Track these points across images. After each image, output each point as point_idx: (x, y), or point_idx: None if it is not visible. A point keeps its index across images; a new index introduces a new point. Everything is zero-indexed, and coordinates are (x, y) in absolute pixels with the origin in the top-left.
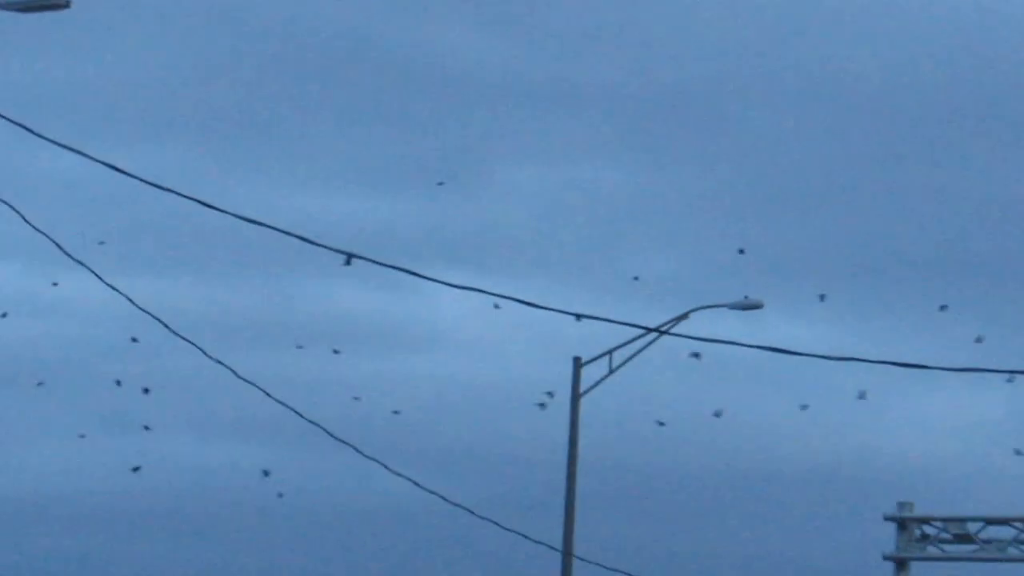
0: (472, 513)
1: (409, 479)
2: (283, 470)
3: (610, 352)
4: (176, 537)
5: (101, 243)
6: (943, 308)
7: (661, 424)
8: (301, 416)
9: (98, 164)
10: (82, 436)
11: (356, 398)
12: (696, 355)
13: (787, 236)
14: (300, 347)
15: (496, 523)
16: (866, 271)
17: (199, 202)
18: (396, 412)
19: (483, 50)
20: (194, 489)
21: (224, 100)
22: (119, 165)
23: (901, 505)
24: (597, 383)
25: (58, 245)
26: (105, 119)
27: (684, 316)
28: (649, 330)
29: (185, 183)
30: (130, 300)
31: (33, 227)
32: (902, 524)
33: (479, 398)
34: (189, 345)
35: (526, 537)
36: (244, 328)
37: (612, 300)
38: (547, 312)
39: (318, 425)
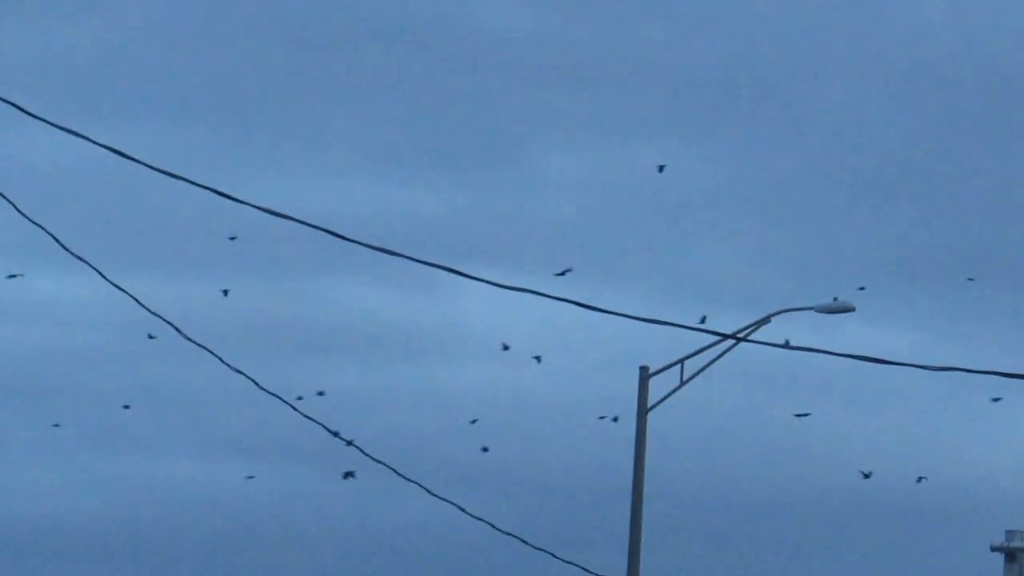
0: (525, 543)
1: (454, 504)
2: (308, 494)
3: (682, 361)
4: (185, 568)
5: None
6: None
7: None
8: (334, 434)
9: (99, 149)
10: (56, 425)
11: (473, 423)
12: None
13: (863, 230)
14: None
15: (552, 554)
16: (954, 270)
17: (215, 191)
18: (474, 421)
19: (518, 20)
20: (206, 513)
21: (231, 79)
22: (119, 150)
23: (1010, 534)
24: (667, 396)
25: (55, 239)
26: (94, 99)
27: (766, 320)
28: (725, 336)
29: (190, 171)
30: (137, 300)
31: (29, 219)
32: (1011, 555)
33: (529, 413)
34: (198, 353)
35: (586, 570)
36: (261, 334)
37: (669, 302)
38: (604, 318)
39: (352, 444)
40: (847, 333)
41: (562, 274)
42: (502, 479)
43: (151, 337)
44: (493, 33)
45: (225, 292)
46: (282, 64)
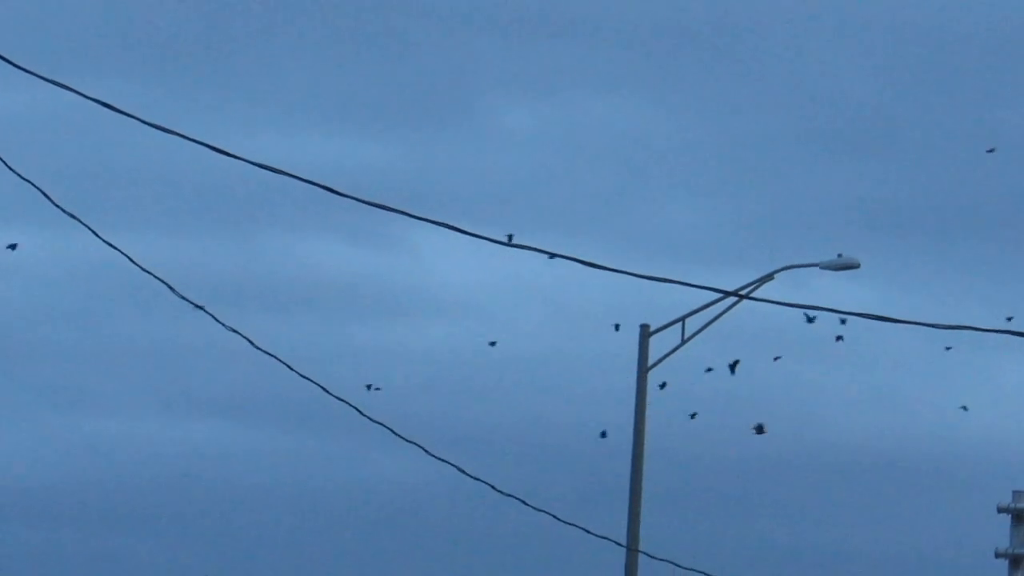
0: (525, 503)
1: (453, 464)
2: (303, 455)
3: (683, 319)
4: (184, 534)
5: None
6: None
7: (693, 416)
8: (329, 393)
9: (88, 102)
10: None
11: (493, 342)
12: (840, 338)
13: (836, 186)
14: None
15: (552, 515)
16: (922, 225)
17: (210, 147)
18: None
19: None
20: (189, 476)
21: (178, 31)
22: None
23: (1017, 495)
24: (667, 354)
25: (46, 195)
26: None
27: (769, 277)
28: (728, 294)
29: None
30: (130, 259)
31: (19, 175)
32: (1018, 516)
33: (521, 374)
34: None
35: (585, 531)
36: (247, 292)
37: (632, 259)
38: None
39: (347, 402)
40: (819, 288)
41: (509, 239)
42: (499, 441)
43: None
44: None
45: (12, 247)
46: (232, 16)
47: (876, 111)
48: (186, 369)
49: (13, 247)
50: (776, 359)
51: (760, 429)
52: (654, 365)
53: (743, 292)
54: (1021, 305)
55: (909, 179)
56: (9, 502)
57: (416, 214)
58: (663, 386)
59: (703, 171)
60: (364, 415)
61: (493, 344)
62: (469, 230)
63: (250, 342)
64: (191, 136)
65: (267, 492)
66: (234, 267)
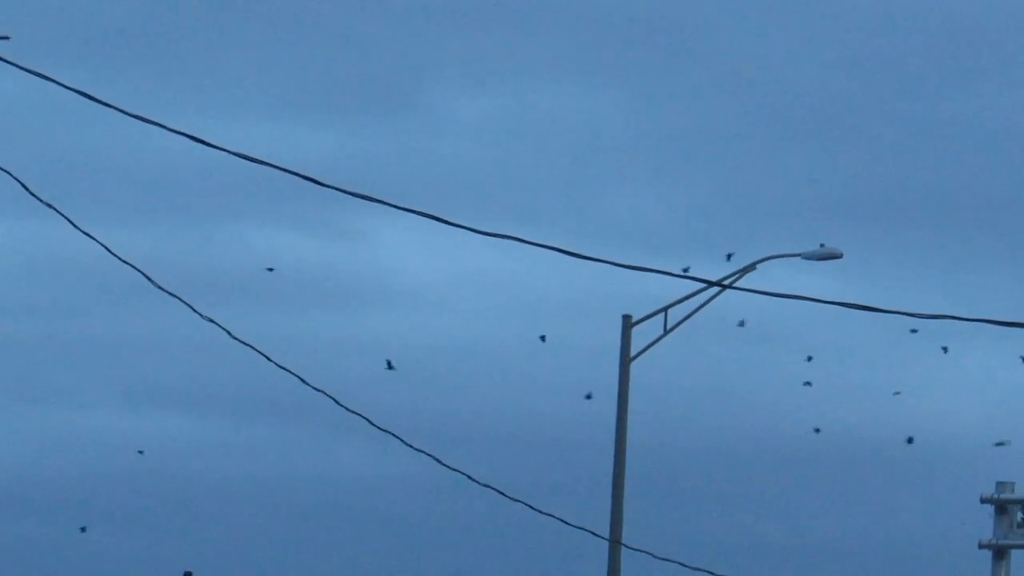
0: (503, 494)
1: (430, 455)
2: (278, 447)
3: (665, 309)
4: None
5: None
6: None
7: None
8: (306, 383)
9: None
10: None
11: (543, 336)
12: (742, 323)
13: (794, 176)
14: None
15: (530, 506)
16: (872, 212)
17: (191, 137)
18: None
19: None
20: (160, 469)
21: (121, 15)
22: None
23: (1000, 485)
24: (650, 345)
25: (22, 184)
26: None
27: (751, 267)
28: (711, 283)
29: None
30: (107, 249)
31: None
32: (1001, 507)
33: (491, 364)
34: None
35: (565, 522)
36: (220, 284)
37: (585, 247)
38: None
39: (324, 392)
40: (774, 277)
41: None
42: (477, 434)
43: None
44: None
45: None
46: (181, 4)
47: (829, 99)
48: (159, 361)
49: None
50: (809, 359)
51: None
52: (636, 356)
53: (726, 282)
54: (970, 291)
55: (862, 167)
56: None
57: (398, 204)
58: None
59: (655, 159)
60: (341, 405)
61: (543, 338)
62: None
63: (228, 332)
64: (174, 128)
65: (241, 484)
66: (187, 258)
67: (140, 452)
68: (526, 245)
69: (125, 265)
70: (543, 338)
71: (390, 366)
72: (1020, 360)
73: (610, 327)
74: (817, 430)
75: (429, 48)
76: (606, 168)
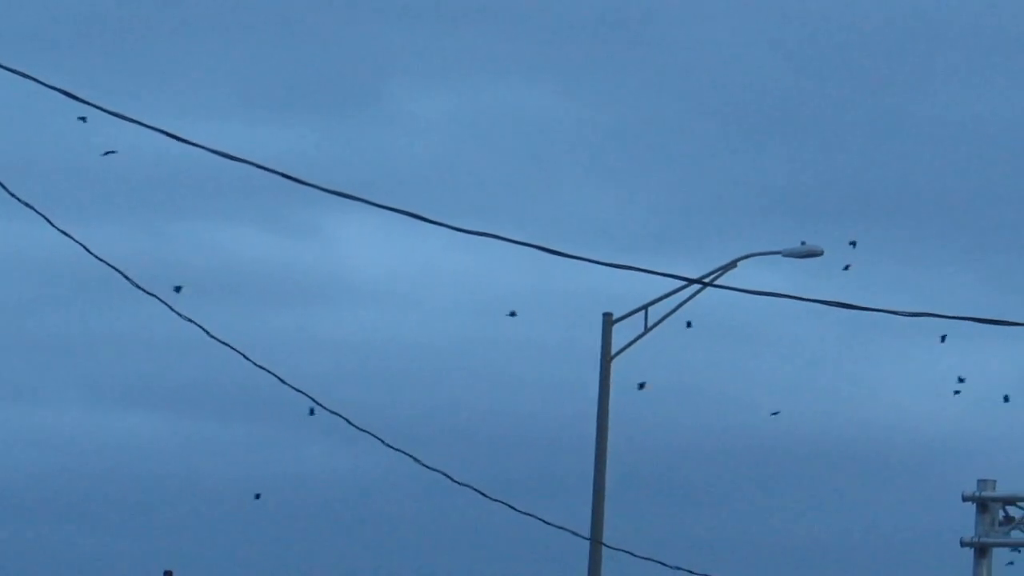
0: (483, 495)
1: (409, 455)
2: (254, 445)
3: (646, 307)
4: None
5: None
6: (852, 244)
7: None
8: (285, 383)
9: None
10: None
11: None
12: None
13: (738, 170)
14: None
15: (510, 506)
16: (830, 208)
17: (168, 134)
18: (641, 385)
19: None
20: (135, 468)
21: (90, 19)
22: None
23: (981, 483)
24: (632, 342)
25: (3, 185)
26: None
27: (732, 265)
28: (691, 281)
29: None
30: (86, 248)
31: None
32: (983, 505)
33: (465, 362)
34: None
35: (545, 522)
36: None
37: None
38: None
39: (304, 393)
40: (748, 276)
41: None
42: (454, 434)
43: (178, 289)
44: None
45: None
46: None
47: (781, 95)
48: (132, 359)
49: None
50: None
51: (642, 386)
52: (617, 353)
53: (707, 280)
54: (926, 288)
55: (814, 163)
56: None
57: (380, 203)
58: (642, 386)
59: (613, 156)
60: (320, 404)
61: (513, 314)
62: (446, 221)
63: (205, 331)
64: (150, 124)
65: (219, 483)
66: (144, 256)
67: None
68: (497, 242)
69: (101, 263)
70: (513, 314)
71: (311, 413)
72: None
73: (584, 325)
74: (775, 413)
75: (388, 47)
76: (565, 165)
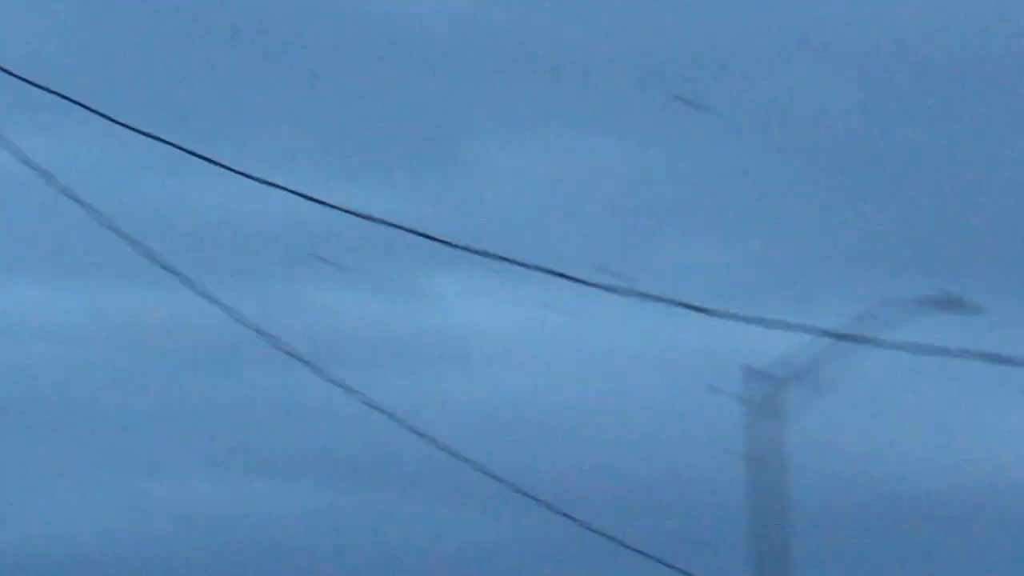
0: (658, 560)
1: (582, 523)
2: (399, 515)
3: (792, 364)
4: None
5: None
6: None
7: None
8: (451, 452)
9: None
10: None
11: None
12: None
13: (832, 220)
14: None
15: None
16: (914, 260)
17: (243, 174)
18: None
19: (458, 9)
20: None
21: (142, 74)
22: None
23: None
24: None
25: (150, 254)
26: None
27: (870, 316)
28: (828, 335)
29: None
30: (227, 311)
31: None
32: None
33: (589, 423)
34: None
35: None
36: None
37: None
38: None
39: (466, 458)
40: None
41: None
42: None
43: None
44: (436, 26)
45: None
46: (194, 56)
47: (865, 144)
48: (269, 426)
49: None
50: None
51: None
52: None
53: (842, 333)
54: None
55: (900, 212)
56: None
57: (513, 259)
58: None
59: (703, 211)
60: (486, 473)
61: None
62: (578, 276)
63: (364, 397)
64: (178, 144)
65: (348, 555)
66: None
67: None
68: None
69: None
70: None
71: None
72: None
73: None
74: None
75: (466, 102)
76: (656, 220)
